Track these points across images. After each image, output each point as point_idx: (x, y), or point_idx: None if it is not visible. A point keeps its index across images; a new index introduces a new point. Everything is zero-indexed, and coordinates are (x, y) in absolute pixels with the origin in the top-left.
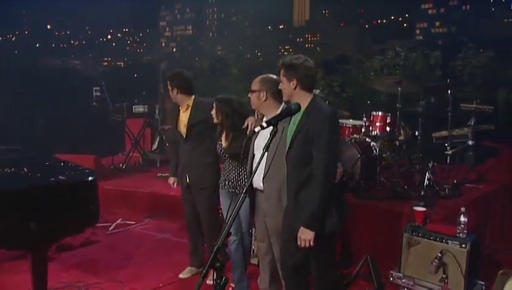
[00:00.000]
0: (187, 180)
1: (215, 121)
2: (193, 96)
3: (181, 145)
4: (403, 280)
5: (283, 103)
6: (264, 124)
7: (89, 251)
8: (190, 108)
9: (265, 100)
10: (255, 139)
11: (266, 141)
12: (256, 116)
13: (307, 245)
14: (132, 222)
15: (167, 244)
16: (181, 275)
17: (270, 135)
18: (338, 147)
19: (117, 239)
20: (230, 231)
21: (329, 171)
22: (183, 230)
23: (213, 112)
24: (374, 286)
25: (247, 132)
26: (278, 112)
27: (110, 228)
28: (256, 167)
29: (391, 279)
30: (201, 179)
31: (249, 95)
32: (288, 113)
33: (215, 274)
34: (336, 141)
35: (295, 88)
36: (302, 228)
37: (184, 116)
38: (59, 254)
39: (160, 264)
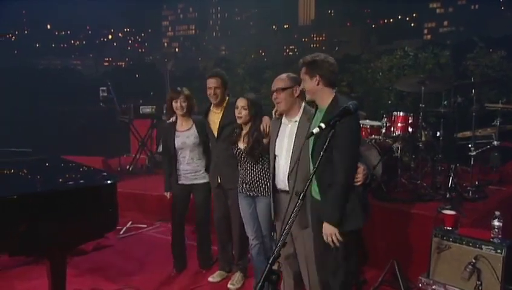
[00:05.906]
0: (219, 180)
1: (243, 120)
2: (227, 97)
3: (211, 145)
4: (434, 286)
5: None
6: (323, 126)
7: (101, 255)
8: (223, 108)
9: (297, 96)
10: (276, 139)
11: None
12: (274, 115)
13: (334, 240)
14: (144, 225)
15: None
16: (210, 279)
17: (329, 137)
18: (358, 147)
19: (130, 243)
20: (249, 235)
21: (348, 170)
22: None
23: (243, 111)
24: None
25: (264, 133)
26: (301, 110)
27: (121, 232)
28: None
29: (419, 285)
30: (234, 179)
31: (276, 95)
32: (347, 112)
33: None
34: (356, 141)
35: (317, 84)
36: (324, 223)
37: (216, 117)
38: (71, 258)
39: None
